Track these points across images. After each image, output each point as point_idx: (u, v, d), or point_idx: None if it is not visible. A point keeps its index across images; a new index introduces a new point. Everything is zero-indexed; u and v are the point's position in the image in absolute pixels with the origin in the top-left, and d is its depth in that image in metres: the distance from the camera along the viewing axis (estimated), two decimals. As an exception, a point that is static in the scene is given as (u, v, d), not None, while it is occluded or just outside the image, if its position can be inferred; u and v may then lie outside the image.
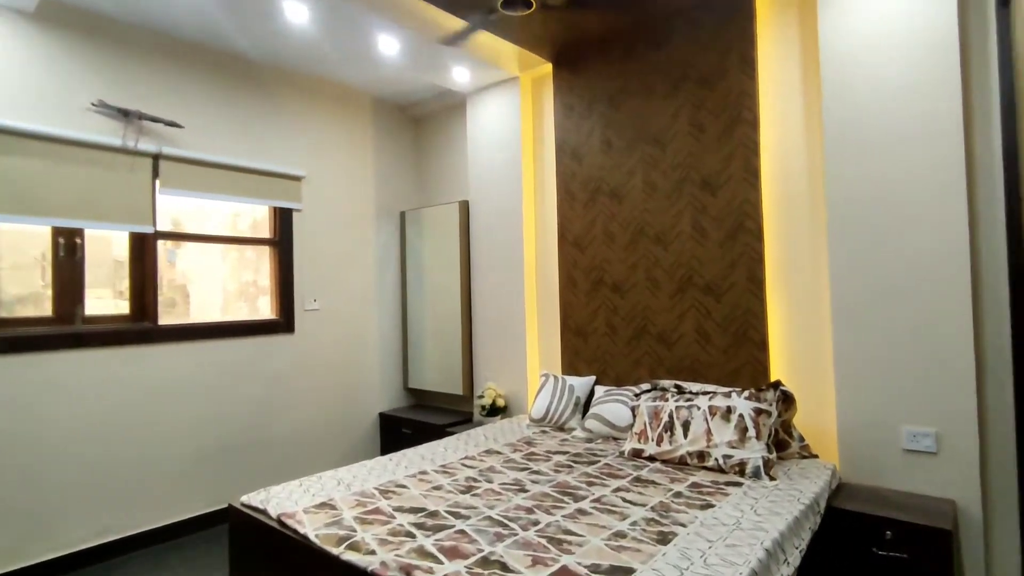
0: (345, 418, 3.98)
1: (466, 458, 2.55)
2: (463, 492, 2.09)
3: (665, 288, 2.97)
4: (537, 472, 2.32)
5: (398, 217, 4.40)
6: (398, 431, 3.96)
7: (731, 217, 2.75)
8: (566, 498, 2.01)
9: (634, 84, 3.10)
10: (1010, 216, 2.10)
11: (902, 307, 2.27)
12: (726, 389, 2.50)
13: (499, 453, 2.62)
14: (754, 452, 2.21)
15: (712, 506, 1.90)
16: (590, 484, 2.15)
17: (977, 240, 2.20)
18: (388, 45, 3.22)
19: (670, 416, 2.48)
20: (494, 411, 3.52)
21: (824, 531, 2.12)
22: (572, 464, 2.42)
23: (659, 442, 2.45)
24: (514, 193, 3.65)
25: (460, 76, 3.63)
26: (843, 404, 2.41)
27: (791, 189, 2.65)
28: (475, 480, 2.23)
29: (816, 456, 2.46)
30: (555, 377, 3.23)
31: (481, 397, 3.58)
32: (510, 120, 3.68)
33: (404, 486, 2.18)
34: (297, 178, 3.74)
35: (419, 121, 4.56)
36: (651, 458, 2.45)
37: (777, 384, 2.40)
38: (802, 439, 2.48)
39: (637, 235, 3.09)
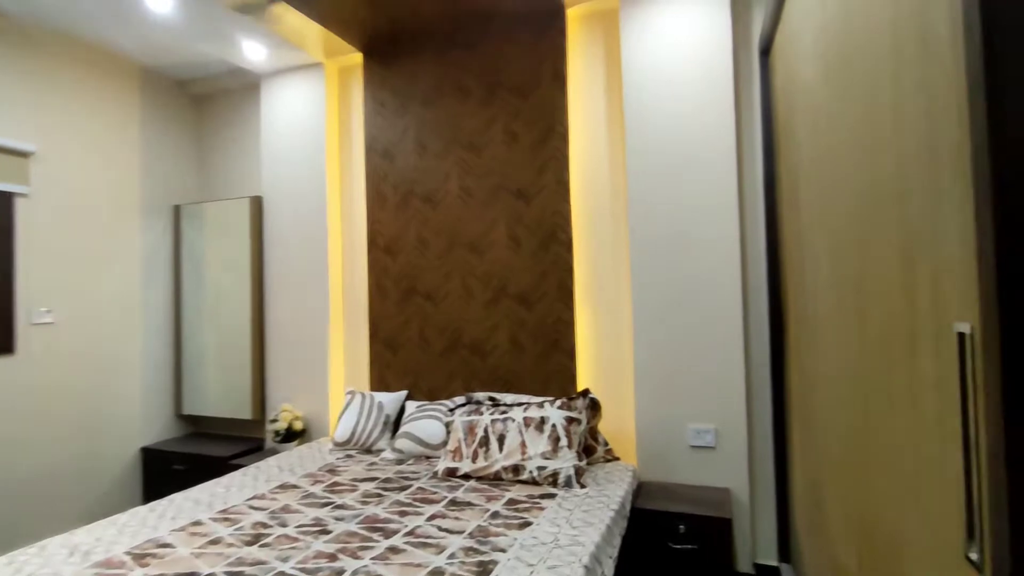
0: (91, 459, 3.17)
1: (255, 498, 2.16)
2: (249, 543, 1.74)
3: (480, 297, 2.91)
4: (342, 507, 2.04)
5: (171, 212, 3.69)
6: (167, 469, 3.29)
7: (544, 227, 2.79)
8: (376, 535, 1.78)
9: (449, 85, 3.00)
10: (769, 238, 2.43)
11: (689, 317, 2.50)
12: (539, 399, 2.50)
13: (296, 487, 2.27)
14: (566, 461, 2.23)
15: (530, 524, 1.84)
16: (402, 514, 1.95)
17: (746, 257, 2.52)
18: (158, 0, 2.66)
19: (485, 430, 2.39)
20: (290, 436, 3.11)
21: (628, 531, 2.21)
22: (382, 492, 2.19)
23: (474, 458, 2.35)
24: (317, 191, 3.29)
25: (254, 53, 3.16)
26: (641, 407, 2.57)
27: (597, 202, 2.77)
28: (265, 526, 1.88)
29: (618, 459, 2.59)
30: (362, 394, 2.95)
31: (275, 421, 3.14)
32: (314, 110, 3.32)
33: (169, 545, 1.74)
34: (21, 153, 2.90)
35: (202, 101, 3.90)
36: (466, 476, 2.33)
37: (586, 392, 2.46)
38: (606, 443, 2.58)
39: (452, 242, 2.98)
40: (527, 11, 2.81)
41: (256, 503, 2.10)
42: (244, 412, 3.38)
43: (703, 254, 2.49)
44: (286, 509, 2.03)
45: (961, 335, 0.65)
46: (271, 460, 2.69)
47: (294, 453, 2.81)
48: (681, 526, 2.18)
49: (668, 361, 2.53)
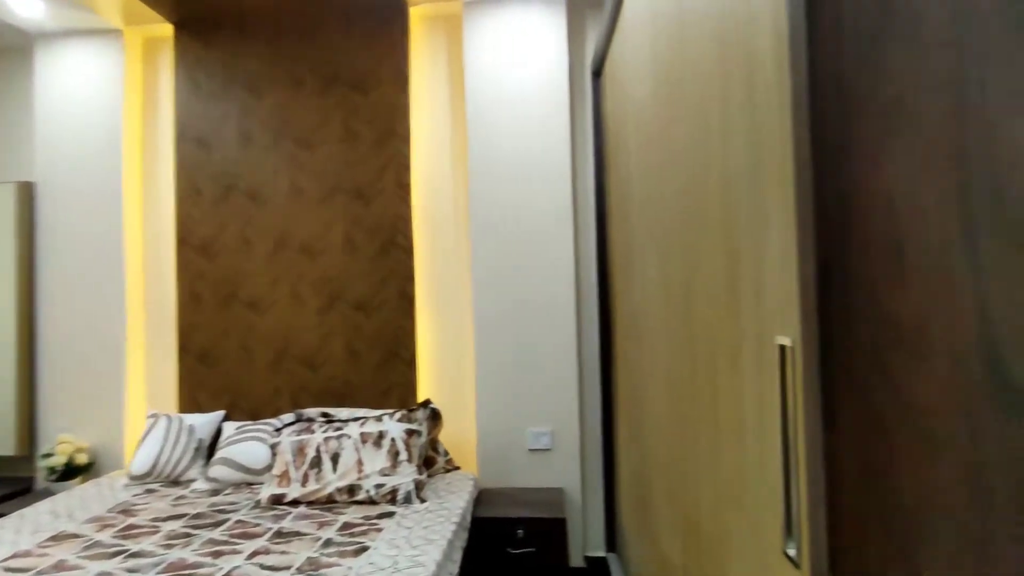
0: None
1: (15, 557, 1.74)
2: (2, 617, 1.39)
3: (312, 304, 2.69)
4: (137, 555, 1.73)
5: None
6: None
7: (384, 231, 2.67)
8: (181, 585, 1.53)
9: (281, 73, 2.74)
10: (600, 247, 2.59)
11: (529, 322, 2.56)
12: (377, 412, 2.38)
13: (76, 537, 1.88)
14: (406, 476, 2.14)
15: (366, 548, 1.73)
16: (217, 555, 1.71)
17: (579, 264, 2.65)
18: None
19: (317, 450, 2.21)
20: (71, 473, 2.59)
21: (469, 541, 2.19)
22: (191, 532, 1.90)
23: (305, 482, 2.15)
24: (111, 180, 2.79)
25: (24, 7, 2.59)
26: (483, 413, 2.58)
27: (439, 208, 2.72)
28: (27, 590, 1.52)
29: (459, 468, 2.57)
30: (168, 417, 2.56)
31: (49, 456, 2.59)
32: (108, 85, 2.81)
33: None
34: None
35: (-55, 58, 3.10)
36: (295, 502, 2.13)
37: (427, 403, 2.40)
38: (447, 453, 2.55)
39: (281, 244, 2.72)
40: (368, 4, 2.68)
41: (17, 563, 1.69)
42: (4, 447, 2.74)
43: (541, 261, 2.57)
44: (60, 567, 1.66)
45: (782, 347, 0.71)
46: (42, 505, 2.20)
47: (75, 493, 2.34)
48: (519, 530, 2.22)
49: (509, 366, 2.57)
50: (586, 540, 2.60)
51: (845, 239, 0.68)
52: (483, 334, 2.58)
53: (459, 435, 2.67)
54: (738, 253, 0.89)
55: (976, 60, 0.63)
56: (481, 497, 2.44)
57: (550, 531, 2.22)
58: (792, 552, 0.70)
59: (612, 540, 2.56)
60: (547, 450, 2.55)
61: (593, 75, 2.62)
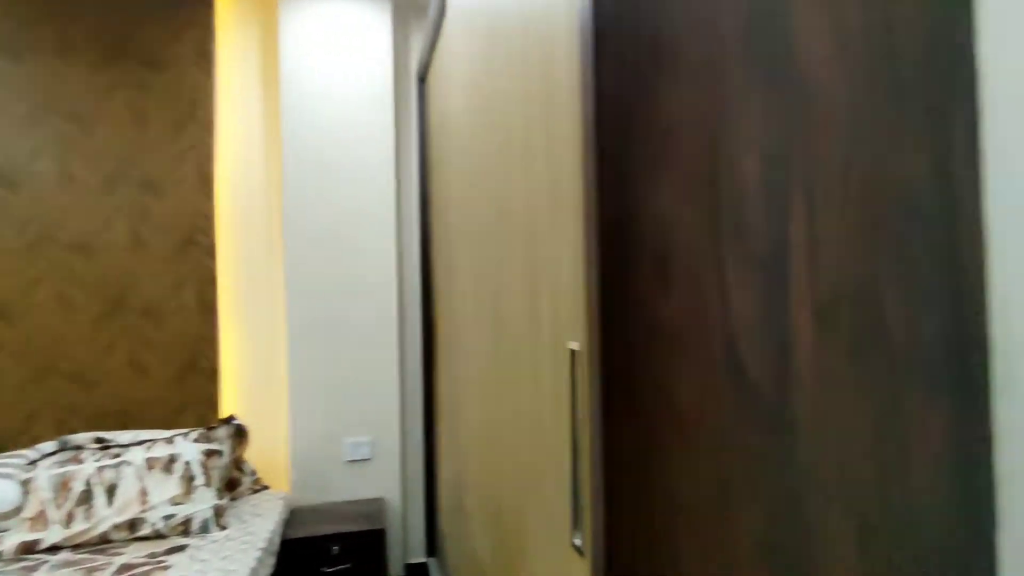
0: None
1: None
2: None
3: (87, 311, 2.29)
4: None
5: None
6: None
7: (180, 229, 2.37)
8: None
9: (46, 35, 2.29)
10: (423, 250, 2.59)
11: (348, 327, 2.46)
12: (169, 433, 2.10)
13: None
14: (203, 503, 1.92)
15: (148, 591, 1.51)
16: (-69, 627, 1.36)
17: (403, 268, 2.62)
18: None
19: (88, 483, 1.88)
20: None
21: (278, 565, 2.03)
22: None
23: (69, 522, 1.81)
24: None
25: None
26: (296, 426, 2.41)
27: (249, 205, 2.50)
28: None
29: (267, 488, 2.37)
30: None
31: None
32: None
33: None
34: None
35: None
36: (54, 548, 1.78)
37: (231, 419, 2.18)
38: (254, 472, 2.34)
39: (43, 239, 2.27)
40: (163, -29, 2.36)
41: None
42: None
43: (362, 266, 2.49)
44: None
45: (573, 351, 0.77)
46: None
47: None
48: (335, 547, 2.11)
49: (326, 374, 2.44)
50: (408, 548, 2.56)
51: (624, 254, 0.76)
52: (298, 342, 2.42)
53: (269, 452, 2.46)
54: (539, 262, 0.95)
55: (722, 101, 0.74)
56: (294, 516, 2.28)
57: (369, 543, 2.15)
58: (578, 542, 0.76)
59: (433, 545, 2.56)
60: (366, 460, 2.47)
61: (419, 80, 2.62)
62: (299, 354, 2.42)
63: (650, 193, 0.72)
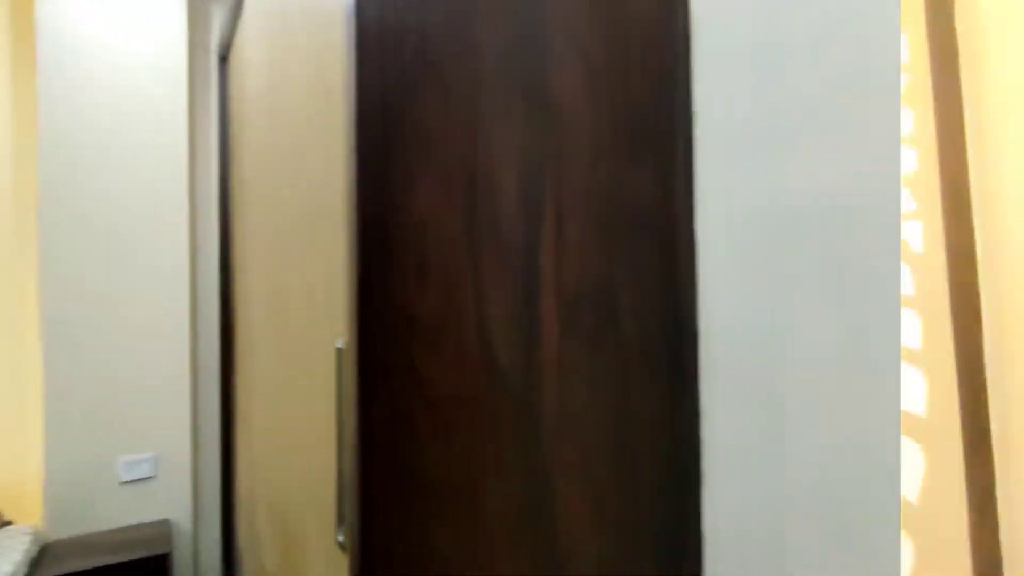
0: None
1: None
2: None
3: None
4: None
5: None
6: None
7: None
8: None
9: None
10: (223, 243, 2.37)
11: (126, 331, 2.17)
12: None
13: None
14: (-92, 549, 1.55)
15: None
16: None
17: (197, 262, 2.38)
18: None
19: None
20: None
21: (21, 615, 1.71)
22: None
23: None
24: None
25: None
26: (54, 448, 2.05)
27: (-10, 185, 2.08)
28: None
29: (11, 523, 1.99)
30: None
31: None
32: None
33: None
34: None
35: None
36: None
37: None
38: (-6, 505, 1.95)
39: None
40: None
41: None
42: None
43: (146, 259, 2.21)
44: None
45: (339, 350, 0.77)
46: None
47: None
48: (103, 582, 1.84)
49: (96, 384, 2.12)
50: (200, 572, 2.33)
51: (385, 254, 0.78)
52: (56, 348, 2.06)
53: (16, 480, 2.07)
54: (318, 261, 0.93)
55: (482, 115, 0.80)
56: (48, 552, 1.94)
57: (149, 572, 1.91)
58: (342, 539, 0.76)
59: (230, 566, 2.36)
60: (149, 479, 2.19)
61: (220, 59, 2.39)
62: (58, 362, 2.06)
63: (412, 196, 0.75)
